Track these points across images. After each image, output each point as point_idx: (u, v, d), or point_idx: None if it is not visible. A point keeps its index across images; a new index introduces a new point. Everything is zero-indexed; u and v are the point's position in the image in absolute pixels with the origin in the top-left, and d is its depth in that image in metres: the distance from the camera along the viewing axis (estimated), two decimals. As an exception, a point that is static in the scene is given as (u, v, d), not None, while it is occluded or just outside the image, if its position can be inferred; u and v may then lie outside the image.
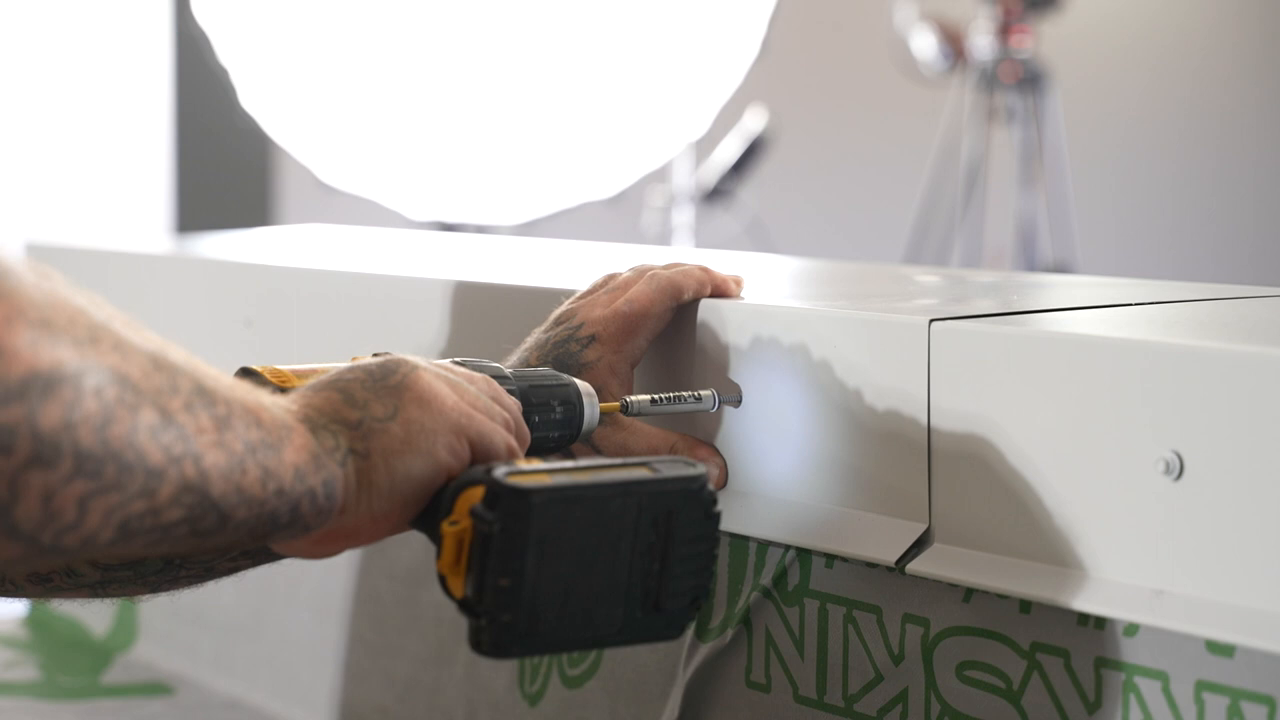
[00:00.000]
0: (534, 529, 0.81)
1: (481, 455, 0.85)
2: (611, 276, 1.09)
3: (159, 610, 1.55)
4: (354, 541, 0.84)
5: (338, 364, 0.89)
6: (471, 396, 0.86)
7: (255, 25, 3.22)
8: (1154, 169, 5.73)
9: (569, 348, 1.04)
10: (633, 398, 1.02)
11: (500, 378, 0.95)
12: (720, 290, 1.09)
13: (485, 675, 1.23)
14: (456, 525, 0.82)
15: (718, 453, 1.07)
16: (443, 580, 0.83)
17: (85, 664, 1.56)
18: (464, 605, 0.83)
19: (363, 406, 0.82)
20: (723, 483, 1.07)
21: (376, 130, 3.24)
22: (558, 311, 1.08)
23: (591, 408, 0.99)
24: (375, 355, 0.91)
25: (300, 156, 3.40)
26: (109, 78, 4.45)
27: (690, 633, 1.09)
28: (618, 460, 0.86)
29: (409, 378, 0.84)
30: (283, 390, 0.86)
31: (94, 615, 1.61)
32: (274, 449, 0.77)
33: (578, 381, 1.00)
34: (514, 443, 0.87)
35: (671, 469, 0.85)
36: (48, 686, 1.51)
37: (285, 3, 3.19)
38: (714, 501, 0.86)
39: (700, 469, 0.86)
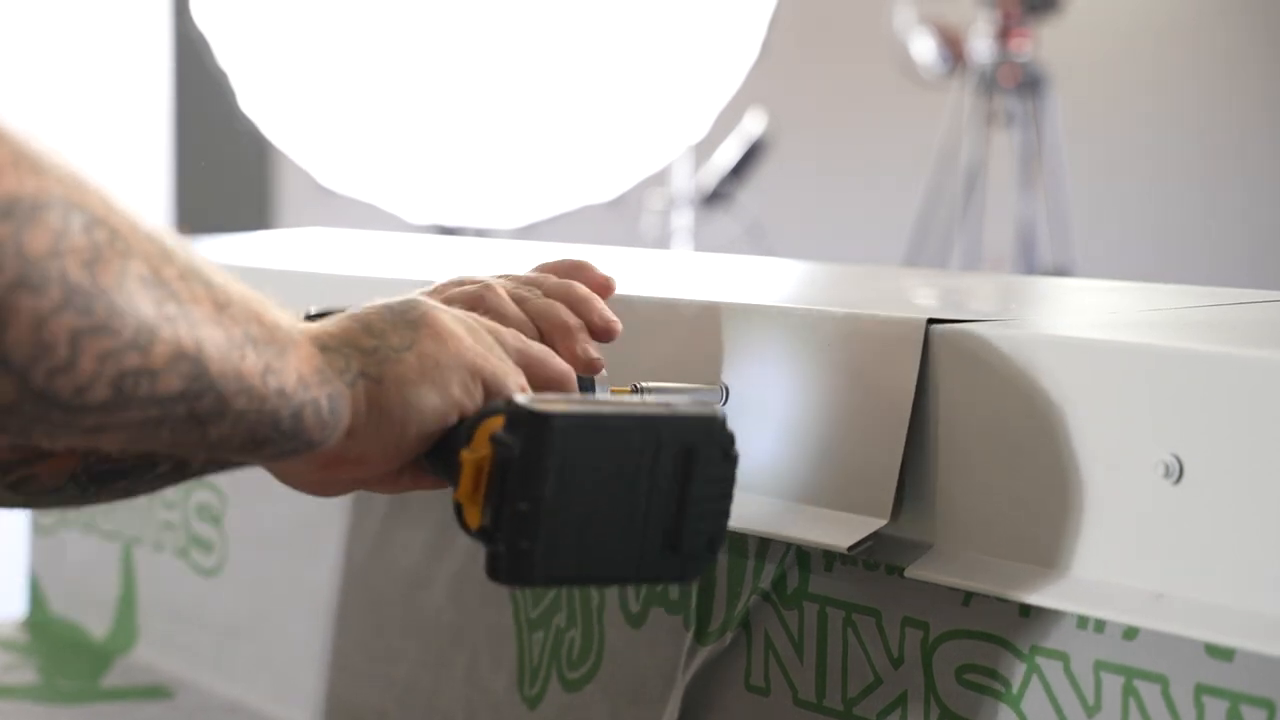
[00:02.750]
0: (554, 453, 0.81)
1: (495, 396, 0.85)
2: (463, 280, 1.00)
3: (158, 613, 1.55)
4: (361, 470, 0.85)
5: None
6: (488, 343, 0.87)
7: (254, 28, 3.22)
8: (1153, 172, 5.73)
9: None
10: (645, 383, 1.02)
11: None
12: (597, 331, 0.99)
13: (485, 678, 1.23)
14: (476, 453, 0.82)
15: None
16: (459, 511, 0.83)
17: (84, 667, 1.56)
18: (481, 533, 0.83)
19: (379, 335, 0.83)
20: None
21: (375, 133, 3.24)
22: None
23: (602, 392, 0.99)
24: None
25: (299, 159, 3.40)
26: (108, 80, 4.45)
27: (690, 636, 1.09)
28: (636, 399, 0.86)
29: (429, 314, 0.85)
30: None
31: (93, 618, 1.61)
32: (276, 350, 0.77)
33: None
34: (527, 387, 0.88)
35: (691, 408, 0.86)
36: (47, 690, 1.51)
37: (284, 6, 3.19)
38: (732, 442, 0.86)
39: (719, 410, 0.87)
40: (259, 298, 0.79)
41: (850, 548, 0.96)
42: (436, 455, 0.85)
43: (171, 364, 0.72)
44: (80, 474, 0.97)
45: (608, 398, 0.86)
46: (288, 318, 0.80)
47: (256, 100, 3.27)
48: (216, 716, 1.45)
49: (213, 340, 0.73)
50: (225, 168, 4.61)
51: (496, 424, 0.82)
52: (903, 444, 0.96)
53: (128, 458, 0.97)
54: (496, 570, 0.82)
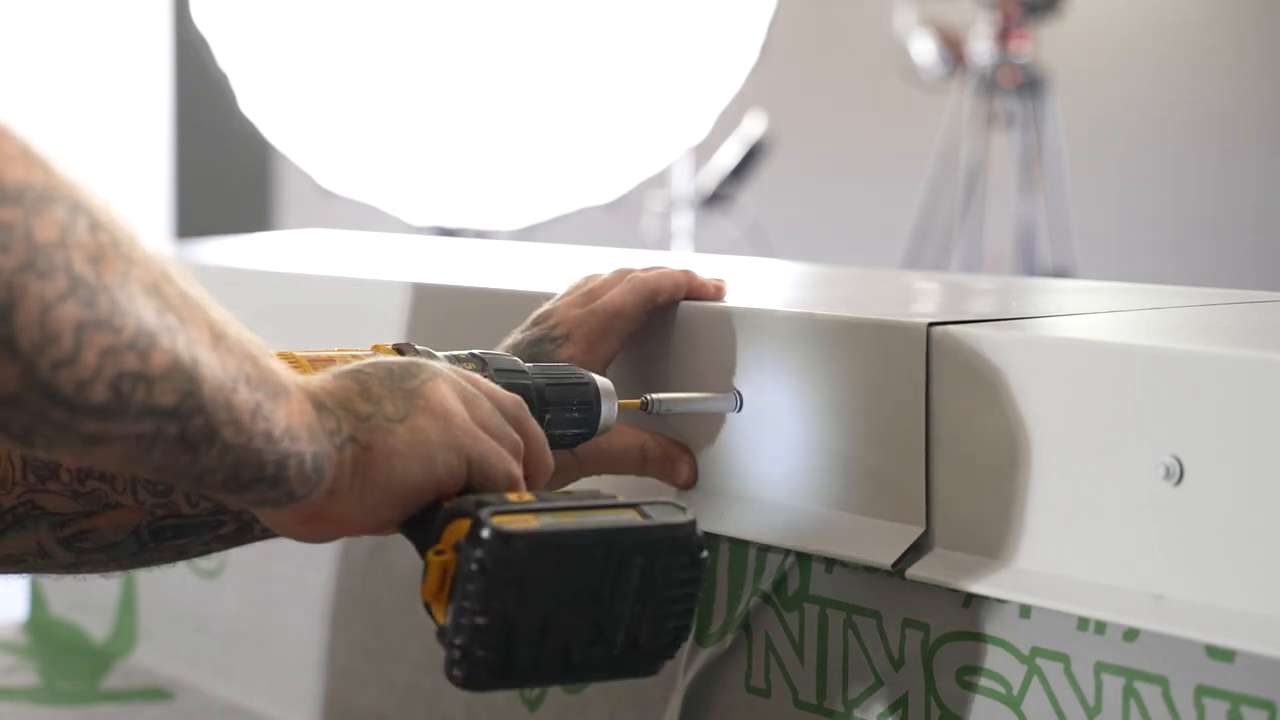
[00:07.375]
0: (515, 572, 0.81)
1: (478, 478, 0.85)
2: (592, 278, 1.10)
3: (159, 616, 1.55)
4: (342, 529, 0.84)
5: (355, 348, 0.89)
6: (484, 416, 0.86)
7: (254, 30, 3.22)
8: (1153, 173, 5.73)
9: (543, 347, 1.05)
10: (654, 396, 1.02)
11: (517, 371, 0.95)
12: (699, 293, 1.09)
13: (485, 680, 1.23)
14: (442, 555, 0.82)
15: (688, 451, 1.07)
16: (427, 607, 0.84)
17: (84, 669, 1.56)
18: (442, 634, 0.83)
19: (376, 402, 0.83)
20: (693, 481, 1.07)
21: (376, 135, 3.24)
22: (537, 312, 1.08)
23: (610, 406, 0.99)
24: (396, 346, 0.91)
25: (300, 161, 3.40)
26: (109, 83, 4.45)
27: (690, 638, 1.09)
28: (606, 499, 0.85)
29: (426, 385, 0.84)
30: None
31: (94, 621, 1.61)
32: (268, 393, 0.77)
33: (597, 378, 0.99)
34: (516, 470, 0.87)
35: (661, 514, 0.85)
36: (47, 692, 1.51)
37: (284, 8, 3.19)
38: (701, 547, 0.85)
39: (690, 515, 0.85)
40: (257, 341, 0.79)
41: (895, 564, 0.96)
42: (411, 527, 0.85)
43: (168, 375, 0.72)
44: (143, 528, 0.97)
45: (580, 499, 0.85)
46: (283, 367, 0.80)
47: (257, 102, 3.27)
48: (216, 719, 1.45)
49: (208, 364, 0.74)
50: (226, 170, 4.61)
51: (463, 528, 0.82)
52: (924, 451, 0.96)
53: (195, 513, 0.97)
54: (453, 674, 0.82)
